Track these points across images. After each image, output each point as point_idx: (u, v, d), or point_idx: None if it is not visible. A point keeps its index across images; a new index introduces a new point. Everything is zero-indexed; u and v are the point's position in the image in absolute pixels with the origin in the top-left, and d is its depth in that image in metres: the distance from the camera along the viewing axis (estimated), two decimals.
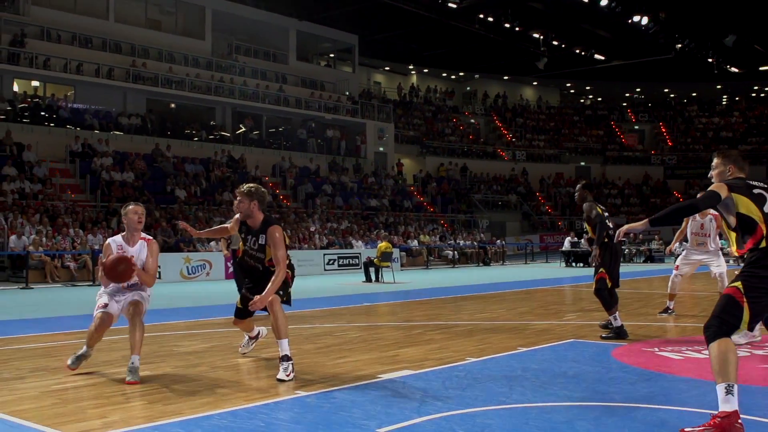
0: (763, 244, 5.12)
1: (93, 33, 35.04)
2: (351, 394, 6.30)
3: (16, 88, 33.46)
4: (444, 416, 5.48)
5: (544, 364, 7.60)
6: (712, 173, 5.73)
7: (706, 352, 8.20)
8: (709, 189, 5.41)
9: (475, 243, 38.46)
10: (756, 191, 5.31)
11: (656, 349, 8.39)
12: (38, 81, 34.10)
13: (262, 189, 7.38)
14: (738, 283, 5.08)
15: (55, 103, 33.17)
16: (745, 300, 5.01)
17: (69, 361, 7.32)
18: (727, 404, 4.84)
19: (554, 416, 5.51)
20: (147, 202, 28.21)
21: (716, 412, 4.87)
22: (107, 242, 7.42)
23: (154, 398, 6.25)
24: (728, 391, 4.86)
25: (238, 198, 7.25)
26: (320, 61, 48.43)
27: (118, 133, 33.91)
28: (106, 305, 7.23)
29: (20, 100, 32.80)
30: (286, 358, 6.99)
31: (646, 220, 5.63)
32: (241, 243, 7.52)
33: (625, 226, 5.95)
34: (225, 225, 8.04)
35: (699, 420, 5.06)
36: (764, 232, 5.14)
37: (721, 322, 5.05)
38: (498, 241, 40.72)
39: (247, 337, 8.40)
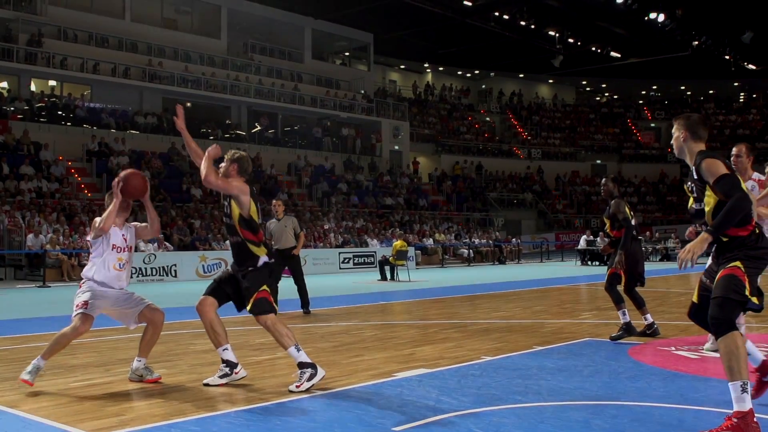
0: (757, 230, 5.14)
1: (109, 32, 35.21)
2: (367, 393, 6.31)
3: (33, 87, 33.67)
4: (459, 415, 5.47)
5: (559, 363, 7.58)
6: (672, 141, 5.58)
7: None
8: (722, 176, 5.02)
9: (491, 241, 38.41)
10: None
11: (673, 348, 8.35)
12: (55, 80, 34.29)
13: (248, 158, 7.00)
14: (737, 263, 4.99)
15: (71, 102, 33.37)
16: (746, 278, 4.95)
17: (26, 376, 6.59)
18: (743, 403, 4.77)
19: (570, 415, 5.49)
20: (163, 200, 28.36)
21: (731, 413, 4.82)
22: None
23: (170, 396, 6.27)
24: (744, 390, 4.78)
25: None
26: (335, 59, 48.45)
27: (134, 132, 34.08)
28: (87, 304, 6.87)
29: (37, 99, 33.01)
30: (301, 365, 6.50)
31: (706, 235, 5.05)
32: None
33: (688, 251, 5.04)
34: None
35: (716, 420, 5.03)
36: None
37: (728, 310, 4.90)
38: (513, 239, 40.66)
39: (223, 365, 6.84)
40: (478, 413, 5.53)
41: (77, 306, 6.85)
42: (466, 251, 36.00)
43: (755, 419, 4.76)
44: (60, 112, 32.91)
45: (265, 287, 6.66)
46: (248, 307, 6.63)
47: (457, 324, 11.21)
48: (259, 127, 39.74)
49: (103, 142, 31.49)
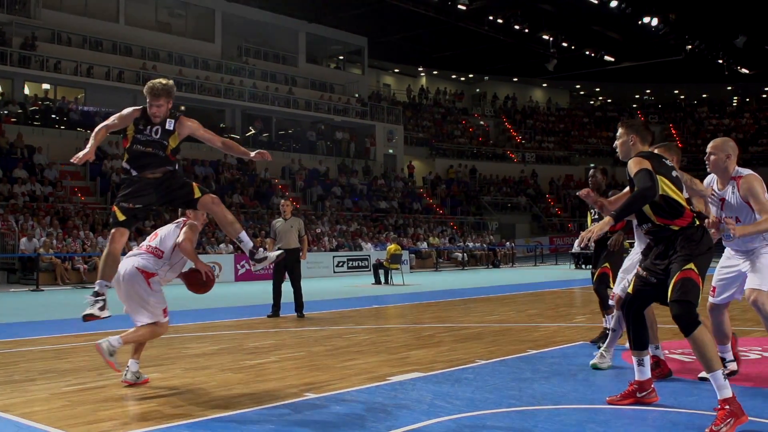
0: (697, 222, 5.53)
1: (103, 36, 35.15)
2: (361, 396, 6.30)
3: (27, 91, 33.58)
4: (453, 418, 5.47)
5: (553, 367, 7.58)
6: (617, 142, 5.88)
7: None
8: (640, 170, 5.42)
9: (485, 245, 38.41)
10: (674, 174, 5.66)
11: (666, 352, 8.35)
12: (49, 84, 34.21)
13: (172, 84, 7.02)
14: (691, 265, 5.33)
15: (65, 105, 33.29)
16: (700, 279, 5.35)
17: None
18: (726, 390, 5.08)
19: (564, 419, 5.50)
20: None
21: (720, 402, 5.07)
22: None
23: (164, 400, 6.26)
24: (725, 377, 5.12)
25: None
26: (330, 63, 48.45)
27: None
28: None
29: (31, 102, 32.91)
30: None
31: (607, 218, 5.50)
32: (130, 131, 6.74)
33: (589, 231, 5.59)
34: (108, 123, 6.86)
35: (710, 422, 5.05)
36: (693, 213, 5.54)
37: (691, 305, 5.27)
38: (507, 243, 40.66)
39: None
40: (473, 417, 5.53)
41: (166, 312, 6.99)
42: (460, 255, 36.00)
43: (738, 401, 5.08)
44: (54, 116, 32.83)
45: None
46: None
47: (451, 327, 11.21)
48: (253, 131, 39.68)
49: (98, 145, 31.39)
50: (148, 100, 6.73)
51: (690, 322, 5.23)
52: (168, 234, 7.11)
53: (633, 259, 7.44)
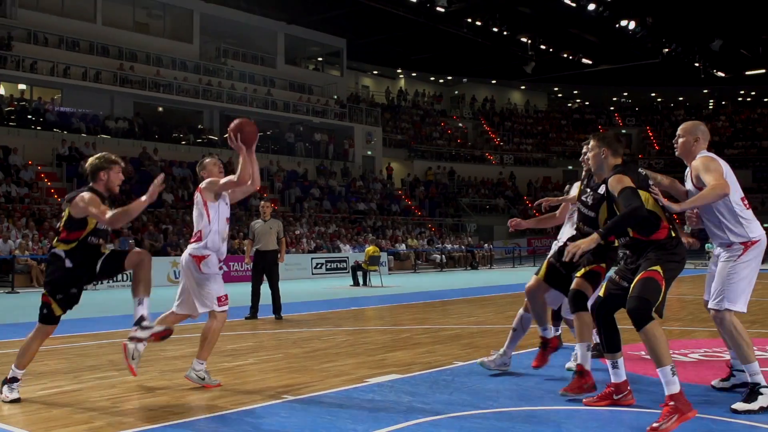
0: (673, 234, 5.56)
1: (80, 36, 34.92)
2: (338, 399, 6.30)
3: (2, 91, 33.34)
4: (431, 420, 5.48)
5: (530, 369, 7.60)
6: (589, 155, 5.91)
7: (692, 355, 8.30)
8: (624, 188, 5.43)
9: (463, 247, 38.51)
10: (650, 182, 5.76)
11: (642, 353, 8.39)
12: (25, 84, 33.93)
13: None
14: (657, 267, 5.40)
15: (42, 106, 33.04)
16: (663, 282, 5.38)
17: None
18: (674, 385, 5.20)
19: (541, 420, 5.53)
20: None
21: (666, 398, 5.20)
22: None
23: (140, 403, 6.23)
24: (673, 373, 5.21)
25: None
26: (308, 64, 48.40)
27: (105, 136, 33.77)
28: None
29: (7, 103, 32.63)
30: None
31: (595, 235, 5.52)
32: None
33: (576, 245, 5.53)
34: None
35: (684, 424, 5.09)
36: (669, 225, 5.57)
37: (648, 303, 5.31)
38: (486, 245, 40.79)
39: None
40: (450, 418, 5.54)
41: (220, 300, 7.00)
42: (438, 257, 36.07)
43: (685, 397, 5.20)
44: (30, 116, 32.53)
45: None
46: None
47: (429, 329, 11.22)
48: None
49: (74, 146, 31.21)
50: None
51: (642, 317, 5.28)
52: (195, 216, 7.17)
53: (559, 244, 7.45)
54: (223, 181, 7.05)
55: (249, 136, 6.96)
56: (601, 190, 6.09)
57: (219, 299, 6.94)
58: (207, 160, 7.44)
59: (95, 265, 6.51)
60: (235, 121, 7.05)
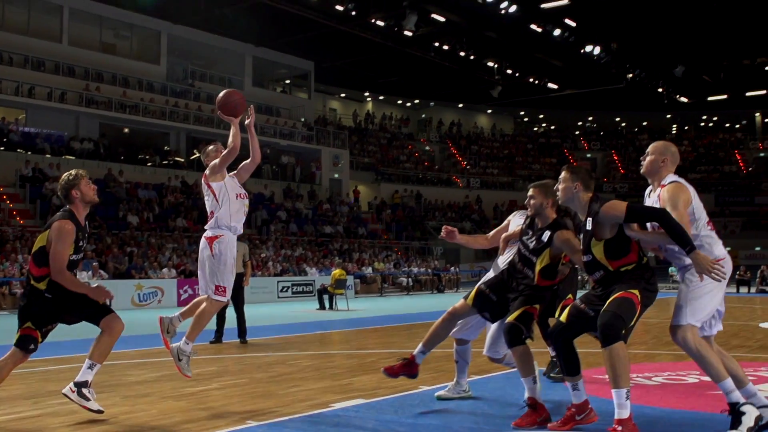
0: (644, 260, 5.59)
1: (46, 56, 34.66)
2: (303, 424, 6.24)
3: None
4: None
5: (496, 393, 7.61)
6: (559, 186, 5.84)
7: (657, 379, 8.32)
8: (627, 207, 5.42)
9: (430, 270, 38.57)
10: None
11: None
12: None
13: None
14: (636, 291, 5.39)
15: (5, 126, 32.68)
16: (639, 307, 5.40)
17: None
18: (624, 410, 5.22)
19: None
20: (99, 227, 27.89)
21: (615, 422, 5.23)
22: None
23: (101, 429, 6.13)
24: (627, 397, 5.24)
25: None
26: (276, 87, 48.44)
27: (70, 157, 33.44)
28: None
29: None
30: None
31: (695, 251, 5.21)
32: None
33: (708, 264, 5.23)
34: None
35: None
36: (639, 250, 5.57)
37: (622, 321, 5.32)
38: (452, 268, 40.87)
39: None
40: None
41: (218, 289, 7.25)
42: (405, 280, 36.07)
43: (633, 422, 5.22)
44: None
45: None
46: None
47: (395, 353, 11.18)
48: (198, 154, 39.33)
49: (38, 167, 30.89)
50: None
51: (612, 334, 5.28)
52: (206, 203, 7.36)
53: (494, 273, 7.43)
54: (219, 158, 7.31)
55: (232, 106, 7.36)
56: (545, 237, 6.19)
57: (217, 287, 7.17)
58: (210, 147, 7.72)
59: (77, 296, 6.40)
60: (220, 95, 7.47)
